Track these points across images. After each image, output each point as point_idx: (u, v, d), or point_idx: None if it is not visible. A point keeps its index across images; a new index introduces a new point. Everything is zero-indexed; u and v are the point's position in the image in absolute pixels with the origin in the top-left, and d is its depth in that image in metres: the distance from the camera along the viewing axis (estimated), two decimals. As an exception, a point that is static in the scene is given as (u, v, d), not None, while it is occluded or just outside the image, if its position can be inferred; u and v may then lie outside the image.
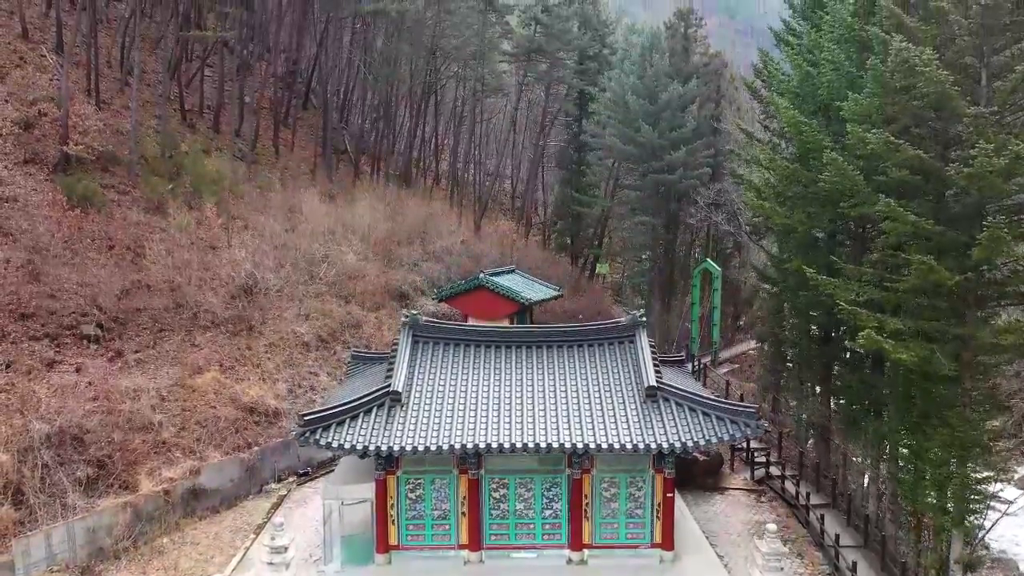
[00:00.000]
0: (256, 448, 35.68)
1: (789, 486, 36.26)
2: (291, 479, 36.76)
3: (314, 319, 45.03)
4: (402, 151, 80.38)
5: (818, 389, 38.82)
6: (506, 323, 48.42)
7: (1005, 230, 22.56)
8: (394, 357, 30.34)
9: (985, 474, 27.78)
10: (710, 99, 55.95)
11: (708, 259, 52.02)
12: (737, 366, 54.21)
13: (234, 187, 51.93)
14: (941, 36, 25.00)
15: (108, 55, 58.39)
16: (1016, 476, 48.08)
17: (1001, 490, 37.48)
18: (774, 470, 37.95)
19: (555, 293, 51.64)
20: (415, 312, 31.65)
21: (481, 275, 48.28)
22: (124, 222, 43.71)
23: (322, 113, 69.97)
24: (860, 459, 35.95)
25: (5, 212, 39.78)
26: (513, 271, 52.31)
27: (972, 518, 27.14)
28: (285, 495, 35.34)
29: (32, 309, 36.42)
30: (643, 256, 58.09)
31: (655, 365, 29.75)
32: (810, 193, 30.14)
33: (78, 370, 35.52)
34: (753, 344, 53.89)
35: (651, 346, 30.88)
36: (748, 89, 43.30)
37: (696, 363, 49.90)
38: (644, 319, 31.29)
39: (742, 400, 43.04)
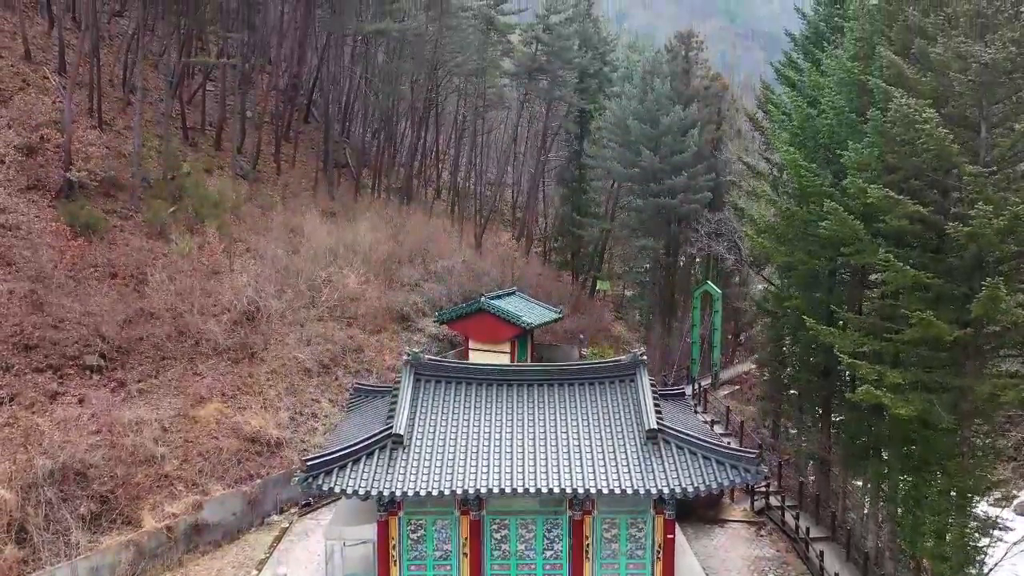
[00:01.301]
0: (258, 480, 35.84)
1: (789, 518, 36.37)
2: (293, 510, 36.93)
3: (316, 344, 45.17)
4: (404, 162, 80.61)
5: (818, 418, 38.92)
6: (507, 347, 48.88)
7: (1003, 288, 22.69)
8: (396, 395, 30.55)
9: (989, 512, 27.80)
10: (711, 121, 56.04)
11: (708, 281, 52.10)
12: (737, 388, 54.33)
13: (236, 208, 52.01)
14: (941, 87, 25.12)
15: (111, 73, 58.52)
16: (1016, 500, 48.26)
17: (998, 516, 37.39)
18: (774, 500, 38.06)
19: (556, 315, 51.77)
20: (417, 351, 31.76)
21: (482, 299, 48.47)
22: (127, 248, 43.83)
23: (323, 127, 70.06)
24: (860, 494, 36.06)
25: (8, 241, 39.88)
26: (514, 293, 52.49)
27: (971, 569, 27.24)
28: (287, 527, 35.50)
29: (35, 340, 36.54)
30: (643, 279, 58.14)
31: (655, 403, 29.91)
32: (810, 235, 30.28)
33: (81, 402, 35.71)
34: (753, 364, 53.98)
35: (652, 384, 31.02)
36: (749, 119, 43.36)
37: (696, 386, 50.10)
38: (644, 357, 31.41)
39: (742, 427, 43.26)
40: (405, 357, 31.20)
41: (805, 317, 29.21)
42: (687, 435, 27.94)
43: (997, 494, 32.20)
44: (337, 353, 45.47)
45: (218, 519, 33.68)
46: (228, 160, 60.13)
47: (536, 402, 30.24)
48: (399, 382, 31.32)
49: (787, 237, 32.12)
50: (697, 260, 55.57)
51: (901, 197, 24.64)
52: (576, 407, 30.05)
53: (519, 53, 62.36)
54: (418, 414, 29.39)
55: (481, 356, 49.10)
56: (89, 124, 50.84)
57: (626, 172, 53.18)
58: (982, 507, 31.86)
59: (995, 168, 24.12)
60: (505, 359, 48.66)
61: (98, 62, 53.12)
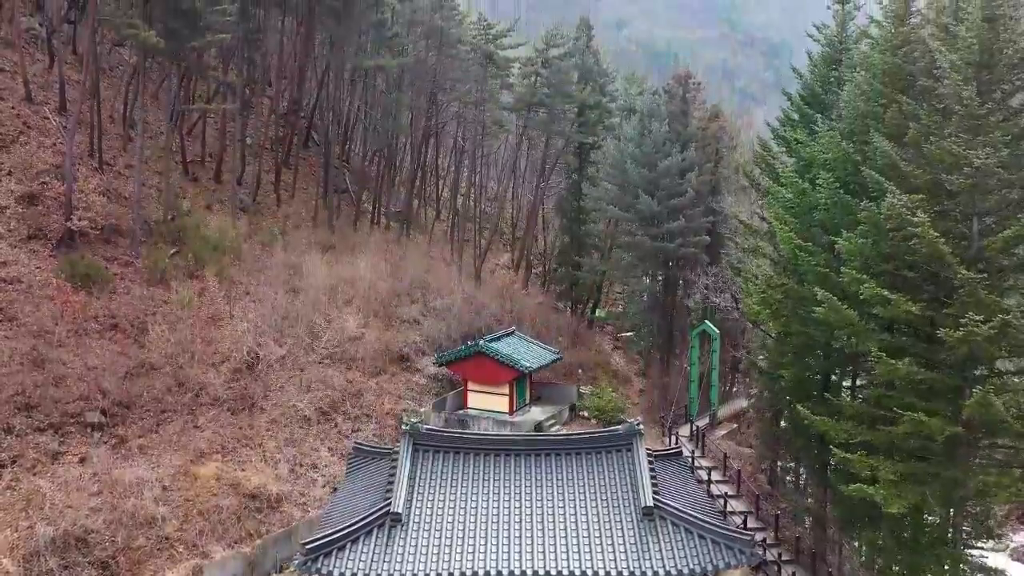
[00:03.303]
0: (258, 541, 36.04)
1: (785, 574, 36.56)
2: (293, 569, 37.11)
3: (315, 390, 45.38)
4: (403, 180, 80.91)
5: (815, 472, 39.08)
6: (506, 388, 49.17)
7: (993, 394, 22.92)
8: (395, 463, 30.82)
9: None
10: (709, 160, 56.29)
11: (707, 321, 52.32)
12: (735, 426, 54.52)
13: (235, 249, 52.18)
14: (935, 182, 25.33)
15: (110, 108, 58.75)
16: (1011, 545, 48.51)
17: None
18: (771, 554, 38.24)
19: (554, 357, 52.05)
20: (416, 420, 32.03)
21: (480, 342, 48.72)
22: (127, 296, 44.10)
23: (323, 151, 70.15)
24: (856, 553, 36.28)
25: (9, 295, 40.20)
26: (513, 333, 52.71)
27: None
28: (287, 588, 35.74)
29: (36, 399, 36.83)
30: (641, 320, 58.41)
31: (652, 475, 30.15)
32: (806, 311, 30.42)
33: (82, 461, 36.06)
34: (751, 398, 54.16)
35: (648, 454, 31.25)
36: (746, 176, 43.59)
37: (693, 427, 50.32)
38: (641, 427, 31.61)
39: (740, 475, 43.44)
40: (404, 427, 31.42)
41: (799, 407, 29.40)
42: (683, 513, 28.17)
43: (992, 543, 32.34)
44: (337, 399, 45.67)
45: (218, 583, 33.92)
46: (228, 193, 60.31)
47: (533, 475, 30.43)
48: (398, 446, 31.62)
49: (782, 313, 32.34)
50: (693, 308, 55.77)
51: (894, 296, 24.85)
52: (573, 481, 30.25)
53: (518, 89, 62.50)
54: (416, 488, 29.62)
55: (480, 397, 49.51)
56: (90, 166, 51.08)
57: (624, 215, 53.38)
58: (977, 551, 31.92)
59: (986, 275, 24.32)
60: (504, 401, 49.02)
61: (98, 101, 53.35)
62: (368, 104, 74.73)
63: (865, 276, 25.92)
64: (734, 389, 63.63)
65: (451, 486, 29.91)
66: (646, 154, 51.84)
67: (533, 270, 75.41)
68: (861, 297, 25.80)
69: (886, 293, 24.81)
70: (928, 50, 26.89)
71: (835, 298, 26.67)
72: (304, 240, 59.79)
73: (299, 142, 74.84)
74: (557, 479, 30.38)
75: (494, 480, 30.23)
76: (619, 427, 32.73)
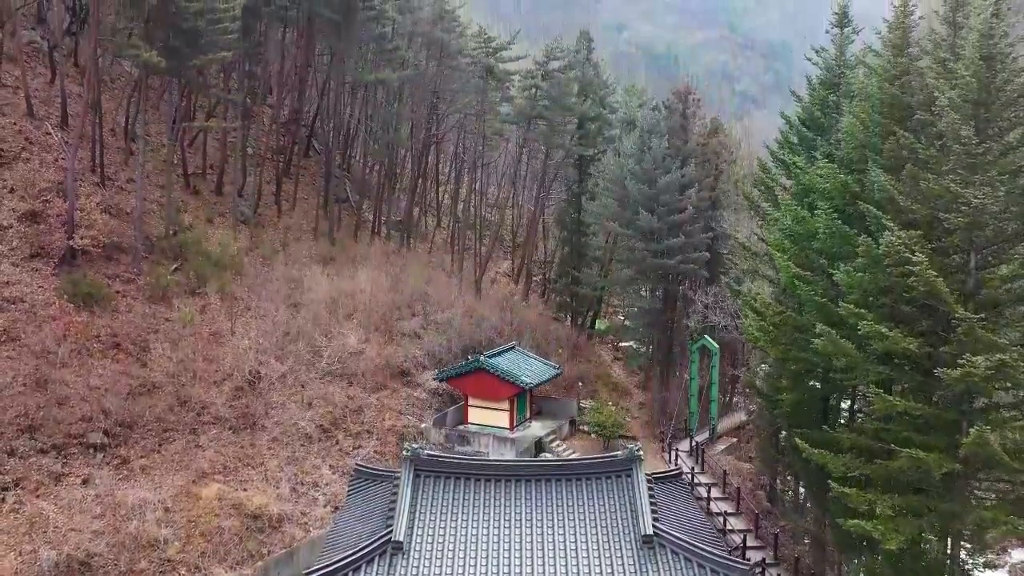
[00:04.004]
0: (260, 563, 36.23)
1: (785, 595, 36.80)
2: (295, 593, 37.34)
3: (316, 407, 45.60)
4: (404, 187, 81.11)
5: (814, 492, 39.25)
6: (506, 404, 49.39)
7: (990, 433, 23.09)
8: (396, 487, 30.97)
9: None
10: (709, 175, 56.43)
11: (706, 336, 52.51)
12: (735, 440, 54.68)
13: (236, 265, 52.34)
14: (933, 218, 25.49)
15: (112, 121, 58.89)
16: (1009, 562, 48.65)
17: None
18: (770, 574, 38.43)
19: (554, 372, 52.27)
20: (416, 446, 32.14)
21: (481, 358, 48.93)
22: (129, 315, 44.24)
23: (324, 159, 70.22)
24: (855, 574, 36.46)
25: (12, 315, 40.36)
26: (513, 348, 52.94)
27: None
28: (288, 609, 35.97)
29: (39, 420, 37.01)
30: (641, 336, 58.58)
31: (652, 501, 30.30)
32: (805, 340, 30.58)
33: (85, 482, 36.26)
34: (751, 414, 54.36)
35: (648, 480, 31.39)
36: (746, 198, 43.74)
37: (692, 442, 50.52)
38: (640, 453, 31.74)
39: (739, 493, 43.61)
40: (405, 453, 31.56)
41: (798, 440, 29.55)
42: (682, 542, 28.31)
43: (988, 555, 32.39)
44: (338, 416, 45.89)
45: (220, 605, 34.10)
46: (229, 206, 60.51)
47: (534, 501, 30.54)
48: (399, 471, 31.79)
49: (780, 340, 32.50)
50: (693, 329, 55.92)
51: (891, 333, 25.02)
52: (573, 507, 30.37)
53: (518, 102, 62.65)
54: (417, 515, 29.74)
55: (481, 413, 49.76)
56: (91, 181, 51.17)
57: (624, 231, 53.53)
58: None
59: (984, 315, 24.48)
60: (504, 416, 49.27)
61: (100, 115, 53.44)
62: (368, 116, 74.87)
63: (863, 310, 26.09)
64: (734, 400, 63.79)
65: (452, 512, 30.06)
66: (646, 170, 51.99)
67: (533, 278, 75.67)
68: (859, 332, 25.95)
69: (884, 330, 24.97)
70: (926, 83, 27.05)
71: (833, 331, 26.84)
72: (305, 252, 59.98)
73: (300, 151, 75.09)
74: (557, 505, 30.51)
75: (495, 506, 30.37)
76: (619, 453, 32.87)
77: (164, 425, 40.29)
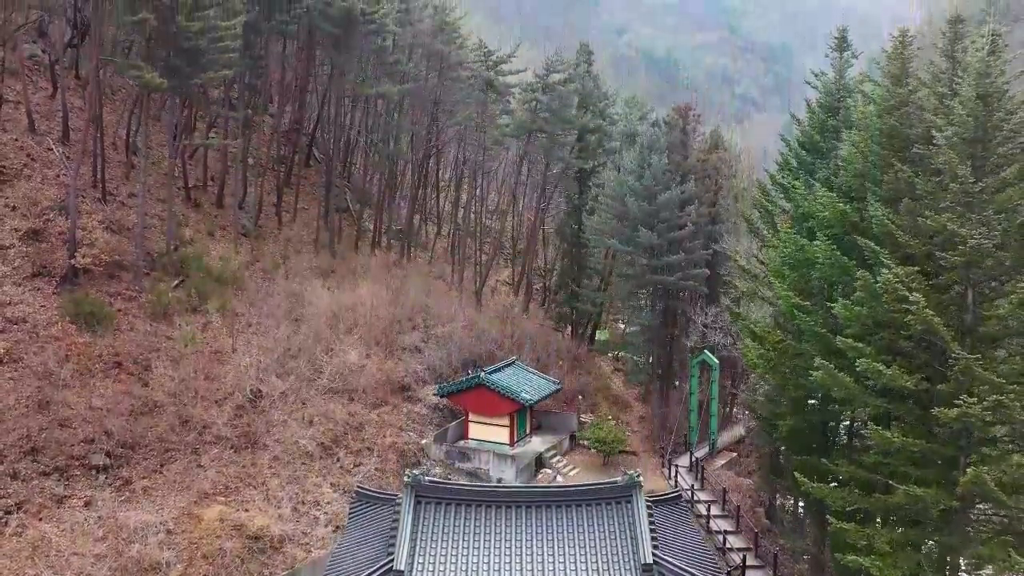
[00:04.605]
0: (261, 586, 36.43)
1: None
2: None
3: (317, 424, 45.72)
4: (404, 195, 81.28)
5: (814, 513, 39.40)
6: (506, 420, 49.54)
7: (987, 471, 23.25)
8: (398, 513, 31.14)
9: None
10: (708, 191, 56.60)
11: (706, 351, 52.67)
12: (735, 455, 54.84)
13: (237, 280, 52.50)
14: (930, 255, 25.63)
15: (113, 135, 58.96)
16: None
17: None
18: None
19: (554, 387, 52.43)
20: (417, 472, 32.33)
21: (481, 374, 49.06)
22: (131, 334, 44.38)
23: (325, 168, 70.23)
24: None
25: (15, 335, 40.52)
26: (514, 363, 53.06)
27: None
28: (290, 631, 36.14)
29: (42, 442, 37.20)
30: (640, 349, 58.73)
31: (651, 527, 30.46)
32: (803, 368, 30.72)
33: (87, 504, 36.44)
34: (751, 431, 54.52)
35: (648, 505, 31.54)
36: (746, 220, 43.88)
37: (692, 458, 50.68)
38: (640, 479, 31.89)
39: (739, 511, 43.75)
40: (406, 479, 31.73)
41: (797, 475, 29.73)
42: (681, 571, 28.49)
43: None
44: (339, 433, 46.00)
45: (222, 628, 34.27)
46: (230, 219, 60.64)
47: (534, 528, 30.71)
48: (400, 496, 31.97)
49: (780, 369, 32.66)
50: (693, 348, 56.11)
51: (889, 370, 25.18)
52: (574, 534, 30.53)
53: (518, 116, 62.80)
54: (418, 542, 29.92)
55: (481, 428, 49.89)
56: (93, 197, 51.31)
57: (624, 247, 53.68)
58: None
59: (980, 355, 24.63)
60: (505, 432, 49.41)
61: (101, 130, 53.53)
62: (368, 127, 75.04)
63: (861, 344, 26.24)
64: (734, 411, 63.95)
65: (453, 539, 30.23)
66: (646, 187, 52.12)
67: (533, 285, 75.86)
68: (858, 369, 26.10)
69: (882, 367, 25.13)
70: (924, 117, 27.19)
71: (831, 365, 27.00)
72: (306, 265, 60.13)
73: (300, 160, 75.24)
74: (558, 532, 30.68)
75: (495, 533, 30.54)
76: (619, 479, 33.03)
77: (166, 445, 40.46)
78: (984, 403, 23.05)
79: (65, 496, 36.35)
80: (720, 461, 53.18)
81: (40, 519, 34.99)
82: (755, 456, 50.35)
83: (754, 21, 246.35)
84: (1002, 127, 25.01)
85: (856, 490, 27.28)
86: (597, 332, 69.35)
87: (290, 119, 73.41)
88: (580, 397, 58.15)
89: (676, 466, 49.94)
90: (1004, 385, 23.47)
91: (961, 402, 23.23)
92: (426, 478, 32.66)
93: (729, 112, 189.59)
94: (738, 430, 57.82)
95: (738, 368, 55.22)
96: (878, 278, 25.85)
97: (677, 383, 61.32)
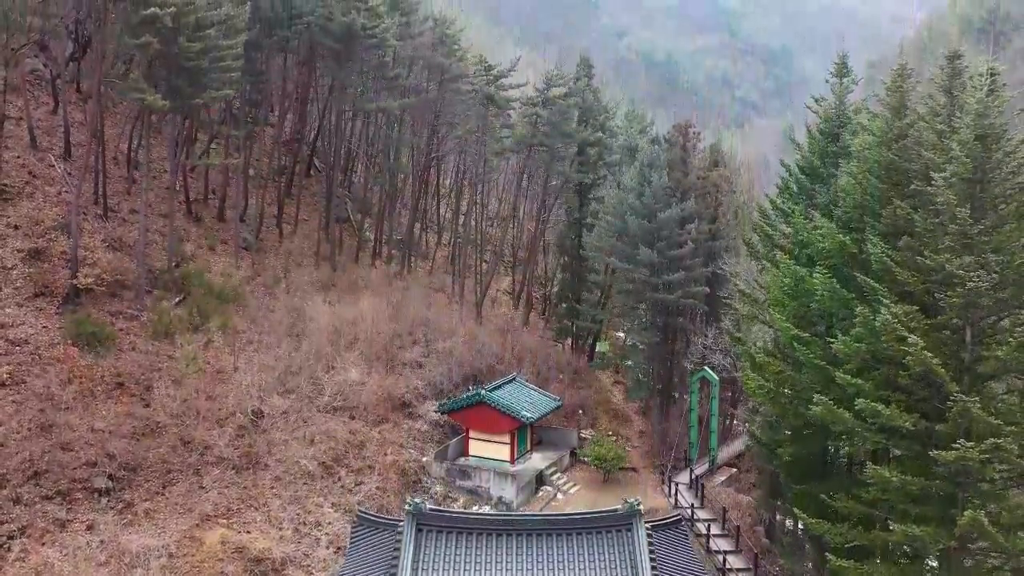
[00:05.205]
0: (262, 611, 36.58)
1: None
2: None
3: (318, 443, 45.82)
4: (405, 202, 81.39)
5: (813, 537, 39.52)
6: (507, 438, 49.72)
7: (984, 513, 23.40)
8: (399, 540, 31.30)
9: None
10: (708, 207, 56.75)
11: (706, 367, 52.82)
12: (735, 471, 54.97)
13: (239, 296, 52.66)
14: (928, 293, 25.79)
15: (115, 149, 59.09)
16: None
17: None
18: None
19: (555, 404, 52.60)
20: (418, 501, 32.46)
21: (482, 391, 49.24)
22: (133, 353, 44.55)
23: (326, 178, 70.29)
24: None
25: (17, 357, 40.69)
26: (514, 380, 53.19)
27: None
28: (291, 655, 36.32)
29: (44, 466, 37.37)
30: (640, 368, 58.88)
31: (651, 552, 30.65)
32: (803, 398, 30.84)
33: (89, 528, 36.63)
34: (750, 447, 54.59)
35: (648, 530, 31.71)
36: (746, 244, 43.99)
37: (692, 475, 50.83)
38: (640, 506, 32.05)
39: (739, 531, 43.89)
40: (407, 508, 31.89)
41: (798, 512, 29.90)
42: (681, 602, 28.66)
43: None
44: (340, 452, 46.10)
45: (224, 652, 34.44)
46: (231, 232, 60.75)
47: (535, 556, 30.87)
48: (402, 523, 32.15)
49: (779, 400, 32.80)
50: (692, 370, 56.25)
51: (887, 411, 25.33)
52: (574, 563, 30.71)
53: (519, 131, 62.93)
54: (420, 572, 30.12)
55: (482, 445, 50.03)
56: (95, 214, 51.51)
57: (624, 266, 53.82)
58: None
59: (978, 392, 24.78)
60: (505, 449, 49.57)
61: (102, 146, 53.66)
62: (369, 138, 75.19)
63: (860, 380, 26.38)
64: (734, 422, 64.00)
65: (454, 568, 30.40)
66: (646, 204, 52.27)
67: (534, 294, 76.03)
68: (856, 409, 26.25)
69: (880, 408, 25.28)
70: (923, 154, 27.32)
71: (830, 401, 27.14)
72: (306, 279, 60.28)
73: (301, 170, 75.41)
74: (559, 561, 30.84)
75: (496, 562, 30.70)
76: (619, 508, 33.18)
77: (168, 467, 40.63)
78: (982, 446, 23.21)
79: (67, 520, 36.51)
80: (720, 477, 53.33)
81: (43, 544, 35.17)
82: (755, 471, 50.46)
83: (754, 24, 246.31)
84: (1001, 168, 25.14)
85: (856, 527, 27.43)
86: (598, 344, 69.45)
87: (291, 129, 73.62)
88: (580, 411, 58.33)
89: (676, 483, 50.05)
90: (1001, 427, 23.65)
91: (959, 446, 23.38)
92: (427, 506, 32.82)
93: (729, 115, 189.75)
94: (738, 444, 57.91)
95: (738, 385, 55.27)
96: (877, 317, 25.98)
97: (677, 393, 61.48)
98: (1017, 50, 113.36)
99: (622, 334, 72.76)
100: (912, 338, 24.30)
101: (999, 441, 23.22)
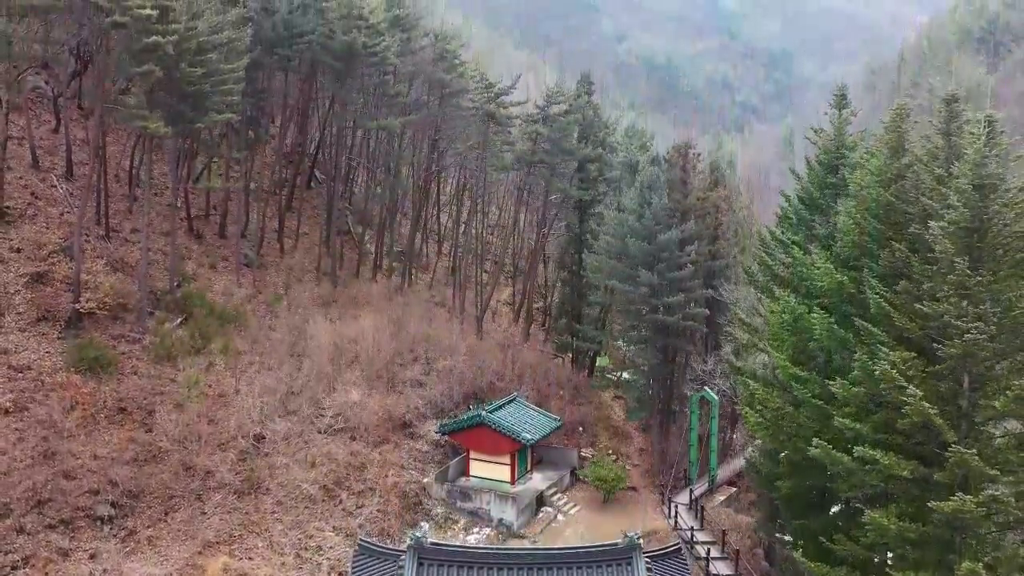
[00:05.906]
0: (264, 639, 36.81)
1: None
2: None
3: (320, 465, 46.03)
4: (406, 212, 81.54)
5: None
6: (507, 458, 49.89)
7: (982, 566, 23.58)
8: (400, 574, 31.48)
9: None
10: (708, 228, 56.94)
11: (706, 387, 53.02)
12: (735, 490, 55.18)
13: (240, 316, 52.85)
14: (927, 340, 25.96)
15: (116, 167, 59.27)
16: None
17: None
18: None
19: (555, 425, 52.75)
20: (419, 535, 32.64)
21: (483, 413, 49.37)
22: (134, 378, 44.76)
23: (327, 196, 70.41)
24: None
25: (20, 384, 40.90)
26: (515, 399, 53.35)
27: None
28: None
29: (47, 494, 37.58)
30: (641, 390, 59.10)
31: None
32: (802, 437, 31.02)
33: (92, 557, 36.86)
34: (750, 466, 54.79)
35: (647, 561, 31.91)
36: (746, 273, 44.18)
37: (692, 496, 51.06)
38: (640, 540, 32.23)
39: (738, 555, 44.09)
40: (409, 542, 32.08)
41: (797, 555, 30.09)
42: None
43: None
44: (341, 475, 46.27)
45: None
46: (232, 249, 60.91)
47: (535, 592, 31.09)
48: (404, 555, 32.36)
49: (778, 436, 32.98)
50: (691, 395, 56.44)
51: (886, 459, 25.53)
52: (574, 599, 30.91)
53: (519, 148, 63.10)
54: (421, 609, 30.31)
55: (482, 466, 50.20)
56: (97, 234, 51.70)
57: (624, 287, 53.98)
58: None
59: (976, 438, 24.97)
60: (506, 470, 49.73)
61: (104, 166, 53.79)
62: (370, 151, 75.36)
63: (858, 424, 26.58)
64: (735, 436, 64.17)
65: (454, 605, 30.59)
66: (646, 226, 52.43)
67: (535, 305, 76.21)
68: (855, 455, 26.46)
69: (879, 455, 25.48)
70: (920, 196, 27.48)
71: (828, 444, 27.35)
72: (307, 295, 60.52)
73: (302, 183, 75.60)
74: (558, 597, 31.04)
75: (497, 599, 30.90)
76: (619, 541, 33.35)
77: (170, 492, 40.86)
78: (979, 498, 23.42)
79: (70, 549, 36.73)
80: (720, 497, 53.56)
81: (46, 574, 35.37)
82: (755, 492, 50.62)
83: (754, 27, 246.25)
84: (998, 219, 25.28)
85: (855, 571, 27.65)
86: (598, 359, 69.65)
87: (292, 141, 73.79)
88: (580, 428, 58.53)
89: (676, 504, 50.25)
90: (999, 477, 23.85)
91: (957, 499, 23.58)
92: (428, 540, 33.01)
93: (729, 119, 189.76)
94: (738, 462, 58.11)
95: (738, 405, 55.54)
96: (875, 362, 26.17)
97: (676, 408, 61.66)
98: (1017, 62, 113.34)
99: (623, 343, 73.05)
100: (911, 389, 24.49)
101: (996, 493, 23.43)
